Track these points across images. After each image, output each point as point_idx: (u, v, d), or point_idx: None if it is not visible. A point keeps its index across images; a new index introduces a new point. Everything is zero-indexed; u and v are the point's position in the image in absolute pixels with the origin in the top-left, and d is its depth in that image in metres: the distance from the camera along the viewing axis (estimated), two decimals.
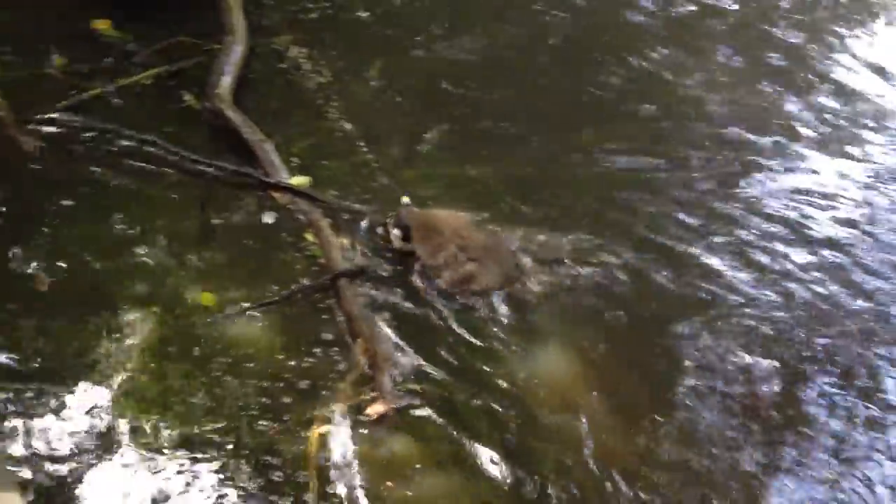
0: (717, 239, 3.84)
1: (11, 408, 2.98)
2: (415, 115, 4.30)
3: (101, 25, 4.46)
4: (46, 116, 3.96)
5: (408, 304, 3.47)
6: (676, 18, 5.17)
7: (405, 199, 3.73)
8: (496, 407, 3.12)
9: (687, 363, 3.33)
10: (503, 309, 3.47)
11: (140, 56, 4.34)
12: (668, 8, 5.23)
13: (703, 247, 3.79)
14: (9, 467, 2.78)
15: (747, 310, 3.53)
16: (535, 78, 4.64)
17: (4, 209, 3.64)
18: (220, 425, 3.01)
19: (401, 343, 3.29)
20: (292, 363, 3.23)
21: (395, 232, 3.65)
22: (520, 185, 3.99)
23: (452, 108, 4.36)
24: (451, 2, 5.03)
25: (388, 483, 2.88)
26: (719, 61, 4.93)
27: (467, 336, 3.35)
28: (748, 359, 3.36)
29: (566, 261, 3.66)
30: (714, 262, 3.73)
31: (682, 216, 3.92)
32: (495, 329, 3.39)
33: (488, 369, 3.25)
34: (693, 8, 5.27)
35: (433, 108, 4.35)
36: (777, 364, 3.35)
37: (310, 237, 3.68)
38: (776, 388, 3.28)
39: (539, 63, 4.74)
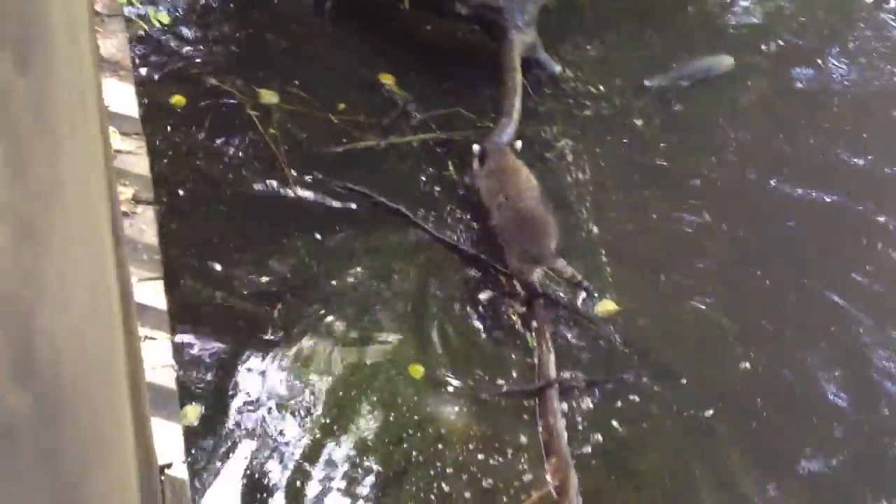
0: None
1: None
2: (670, 240, 4.19)
3: (387, 80, 4.67)
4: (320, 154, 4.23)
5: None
6: None
7: (518, 144, 4.16)
8: None
9: None
10: None
11: (416, 118, 4.50)
12: None
13: None
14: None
15: None
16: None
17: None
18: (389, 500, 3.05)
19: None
20: (480, 457, 3.23)
21: (476, 160, 4.08)
22: None
23: (709, 241, 4.20)
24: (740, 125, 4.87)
25: None
26: None
27: None
28: None
29: None
30: None
31: None
32: None
33: None
34: None
35: (690, 232, 4.23)
36: None
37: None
38: None
39: None
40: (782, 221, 4.34)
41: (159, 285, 2.78)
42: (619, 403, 3.51)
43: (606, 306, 3.84)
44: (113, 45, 3.37)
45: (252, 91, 4.46)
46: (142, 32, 3.74)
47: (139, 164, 2.99)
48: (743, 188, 4.43)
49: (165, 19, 3.71)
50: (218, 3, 4.94)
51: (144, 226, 2.77)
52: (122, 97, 3.20)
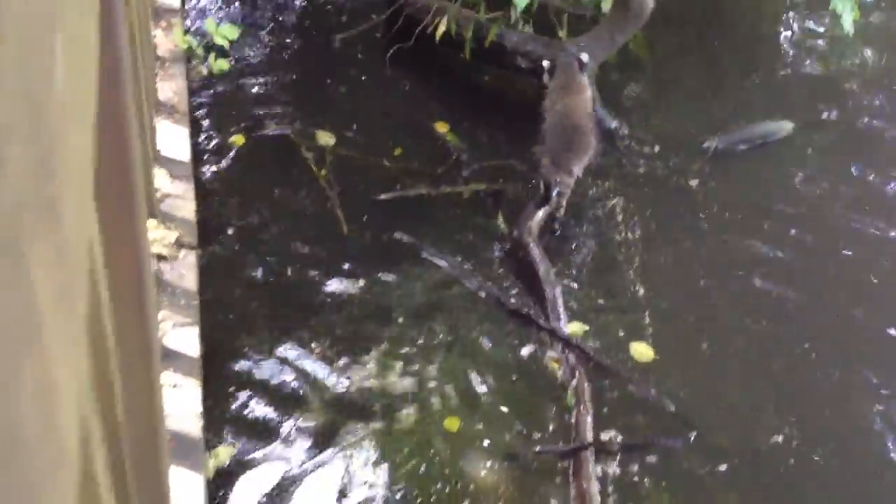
0: None
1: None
2: (718, 304, 4.14)
3: (442, 128, 4.71)
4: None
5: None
6: None
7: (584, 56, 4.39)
8: None
9: None
10: None
11: (469, 168, 4.52)
12: None
13: None
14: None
15: None
16: None
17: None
18: None
19: None
20: None
21: (546, 73, 4.43)
22: None
23: (758, 307, 4.13)
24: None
25: None
26: None
27: None
28: None
29: None
30: None
31: None
32: None
33: None
34: None
35: (738, 298, 4.17)
36: None
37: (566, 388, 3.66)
38: None
39: None
40: (836, 294, 4.25)
41: (194, 331, 2.79)
42: (655, 468, 3.45)
43: (641, 350, 3.82)
44: (171, 88, 3.44)
45: (309, 133, 4.52)
46: (203, 76, 3.83)
47: (186, 207, 3.04)
48: (797, 257, 4.35)
49: (225, 66, 3.79)
50: (279, 48, 5.03)
51: (185, 270, 2.81)
52: (175, 140, 3.26)
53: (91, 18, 1.16)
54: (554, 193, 4.20)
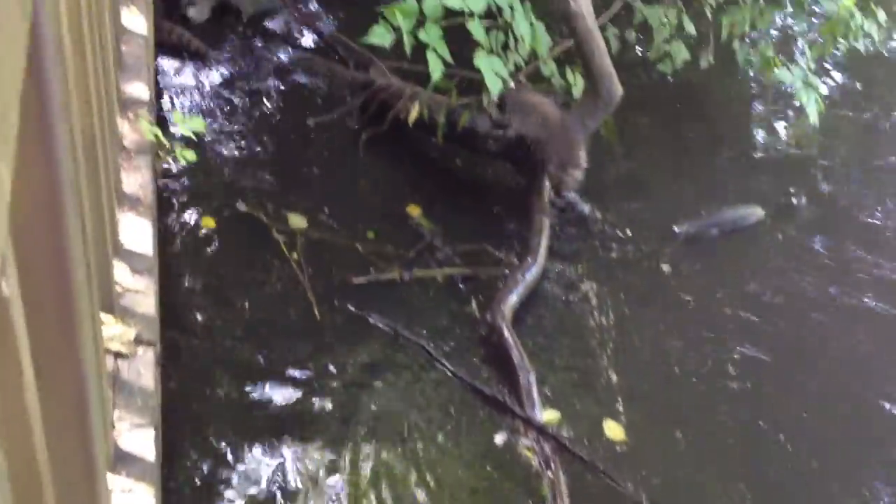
0: None
1: None
2: (692, 392, 4.10)
3: (414, 212, 4.69)
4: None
5: None
6: None
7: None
8: None
9: None
10: None
11: (442, 252, 4.49)
12: None
13: None
14: None
15: None
16: None
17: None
18: None
19: None
20: None
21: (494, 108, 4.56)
22: None
23: (732, 399, 4.10)
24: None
25: None
26: None
27: None
28: None
29: None
30: None
31: None
32: None
33: None
34: None
35: (713, 387, 4.14)
36: None
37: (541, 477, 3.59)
38: None
39: None
40: (814, 375, 4.24)
41: (150, 433, 2.69)
42: None
43: (613, 430, 3.79)
44: (136, 180, 3.40)
45: (281, 215, 4.49)
46: (170, 166, 3.81)
47: (146, 302, 2.97)
48: (772, 345, 4.33)
49: (192, 157, 3.76)
50: (251, 131, 5.03)
51: (143, 368, 2.73)
52: (138, 234, 3.21)
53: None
54: (571, 195, 4.68)
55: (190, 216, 4.39)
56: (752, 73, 6.01)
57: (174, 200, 4.42)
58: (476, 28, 4.03)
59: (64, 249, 1.52)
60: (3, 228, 1.02)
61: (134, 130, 3.59)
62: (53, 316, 1.54)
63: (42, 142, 1.46)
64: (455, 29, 4.05)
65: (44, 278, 1.51)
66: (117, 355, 2.73)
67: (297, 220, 4.49)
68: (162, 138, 3.67)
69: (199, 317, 3.95)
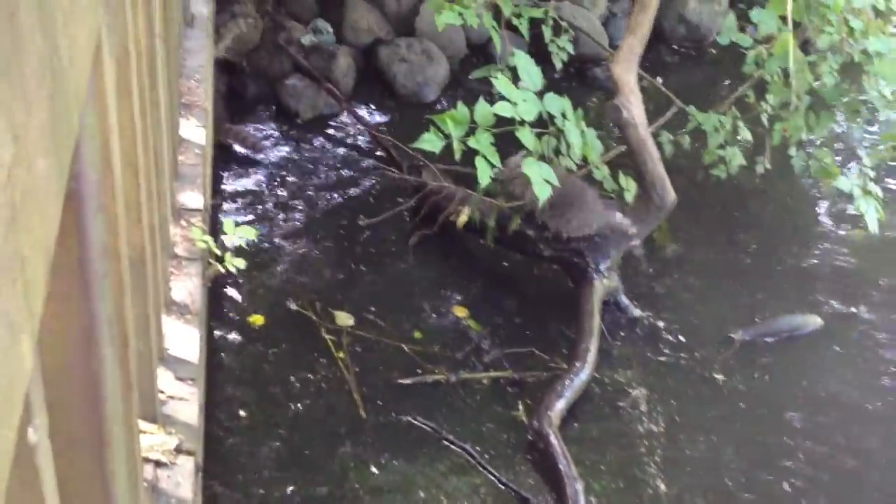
0: None
1: None
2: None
3: (461, 313, 4.67)
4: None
5: None
6: None
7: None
8: None
9: None
10: None
11: (489, 354, 4.45)
12: None
13: None
14: None
15: None
16: None
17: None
18: None
19: None
20: None
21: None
22: None
23: None
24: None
25: None
26: None
27: None
28: None
29: None
30: None
31: None
32: None
33: None
34: None
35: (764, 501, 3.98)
36: None
37: None
38: None
39: None
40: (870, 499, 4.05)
41: None
42: None
43: None
44: (186, 287, 3.44)
45: (329, 314, 4.50)
46: (220, 272, 3.86)
47: (188, 410, 2.95)
48: (828, 461, 4.17)
49: (242, 265, 3.80)
50: (301, 232, 5.09)
51: (181, 478, 2.70)
52: (184, 341, 3.22)
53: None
54: (623, 299, 4.73)
55: (240, 314, 4.43)
56: (810, 179, 5.94)
57: (224, 301, 4.47)
58: (526, 136, 4.05)
59: (97, 384, 1.52)
60: (28, 373, 1.01)
61: (186, 238, 3.65)
62: (86, 452, 1.53)
63: (79, 278, 1.47)
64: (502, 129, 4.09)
65: (76, 412, 1.50)
66: (157, 464, 2.72)
67: (345, 319, 4.49)
68: (213, 247, 3.72)
69: (242, 413, 3.94)
